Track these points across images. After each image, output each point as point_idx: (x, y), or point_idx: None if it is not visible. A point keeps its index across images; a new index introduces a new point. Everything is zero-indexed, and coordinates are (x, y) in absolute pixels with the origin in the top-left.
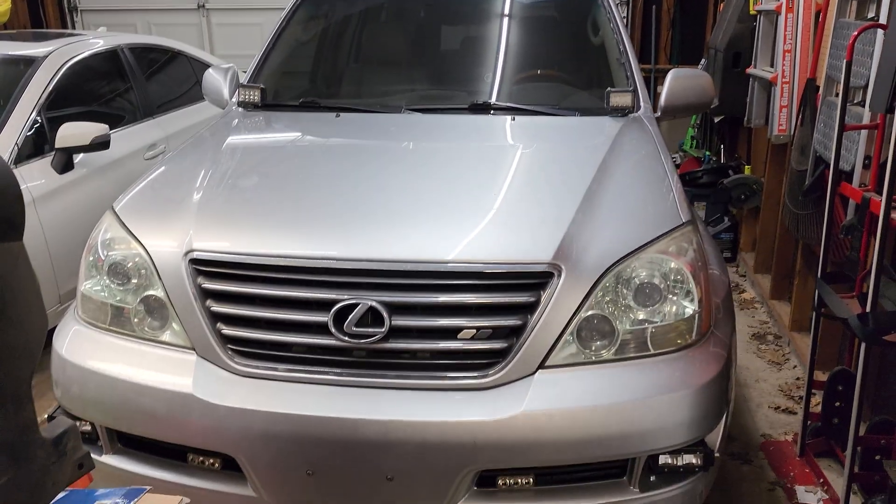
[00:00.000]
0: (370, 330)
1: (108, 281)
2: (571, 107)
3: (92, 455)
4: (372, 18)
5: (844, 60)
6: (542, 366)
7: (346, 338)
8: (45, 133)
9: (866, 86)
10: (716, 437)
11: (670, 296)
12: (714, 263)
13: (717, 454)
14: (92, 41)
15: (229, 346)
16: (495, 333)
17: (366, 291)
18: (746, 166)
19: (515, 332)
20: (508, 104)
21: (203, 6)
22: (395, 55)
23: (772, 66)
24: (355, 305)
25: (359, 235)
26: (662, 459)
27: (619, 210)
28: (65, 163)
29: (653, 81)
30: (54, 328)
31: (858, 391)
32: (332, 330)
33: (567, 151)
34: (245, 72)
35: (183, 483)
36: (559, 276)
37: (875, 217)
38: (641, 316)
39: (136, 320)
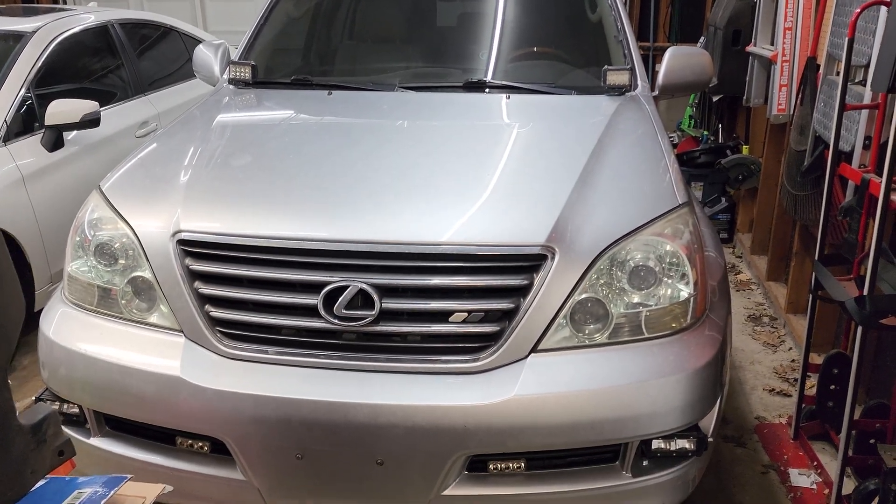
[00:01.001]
0: (360, 313)
1: (94, 262)
2: (567, 85)
3: (79, 437)
4: None
5: (846, 38)
6: (534, 349)
7: (336, 320)
8: (34, 110)
9: (868, 65)
10: (709, 422)
11: (665, 279)
12: (710, 245)
13: (710, 439)
14: (82, 16)
15: (218, 328)
16: (487, 317)
17: (356, 273)
18: (744, 146)
19: (508, 316)
20: (503, 82)
21: None
22: (389, 31)
23: (772, 44)
24: (345, 288)
25: (349, 216)
26: (655, 444)
27: (614, 191)
28: (55, 140)
29: (651, 59)
30: (41, 309)
31: (854, 374)
32: (322, 312)
33: (562, 131)
34: (237, 48)
35: (171, 466)
36: (553, 258)
37: (874, 199)
38: (636, 299)
39: (123, 302)
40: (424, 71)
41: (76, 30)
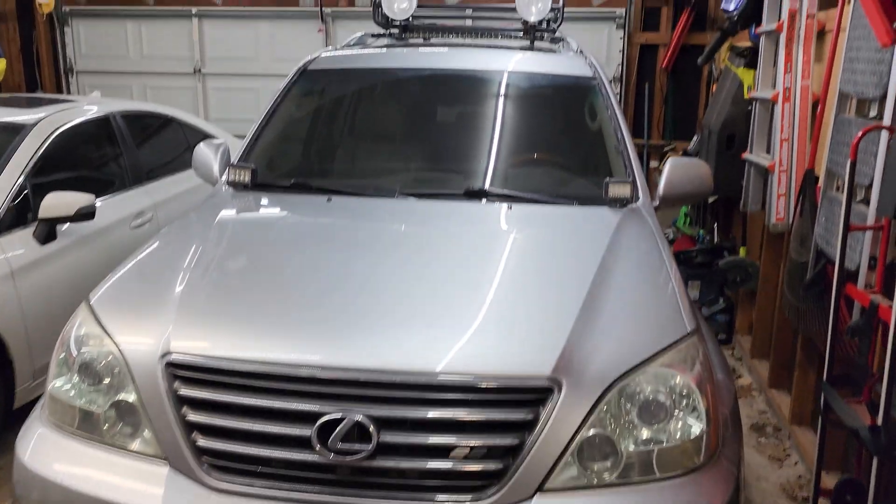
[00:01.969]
0: (356, 446)
1: (78, 380)
2: (569, 195)
3: None
4: (367, 98)
5: (849, 160)
6: (540, 489)
7: (331, 454)
8: (29, 201)
9: (870, 185)
10: None
11: (677, 412)
12: (717, 366)
13: None
14: (85, 108)
15: (204, 458)
16: (490, 453)
17: (352, 403)
18: (742, 248)
19: (512, 452)
20: (504, 191)
21: (199, 71)
22: (391, 137)
23: (768, 152)
24: (341, 419)
25: (346, 341)
26: None
27: (621, 317)
28: (47, 233)
29: (646, 156)
30: (23, 406)
31: None
32: (316, 445)
33: (566, 247)
34: (237, 136)
35: None
36: (559, 391)
37: (885, 324)
38: (646, 435)
39: (105, 426)
40: (425, 176)
41: (77, 121)
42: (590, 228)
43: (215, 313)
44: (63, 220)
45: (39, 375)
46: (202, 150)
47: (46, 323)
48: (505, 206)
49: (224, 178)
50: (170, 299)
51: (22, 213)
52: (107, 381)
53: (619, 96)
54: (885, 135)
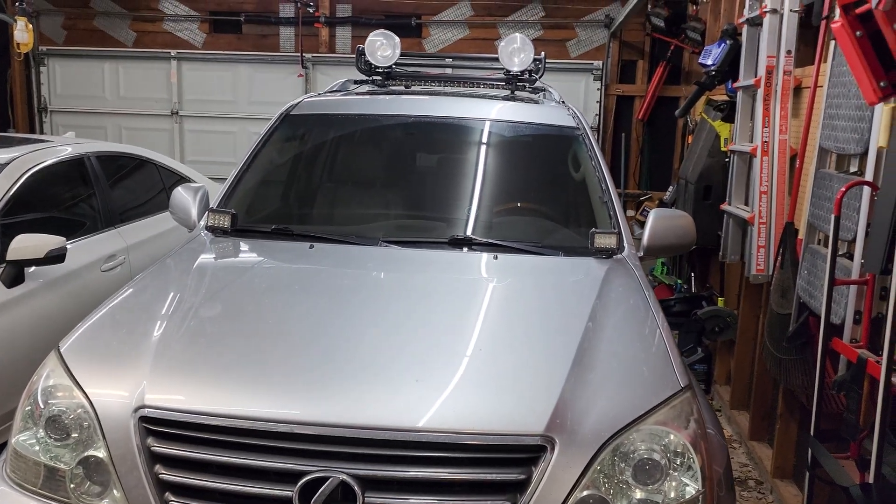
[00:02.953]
0: None
1: (44, 435)
2: (555, 245)
3: None
4: (351, 144)
5: (833, 215)
6: None
7: None
8: None
9: (854, 240)
10: None
11: (672, 472)
12: (710, 423)
13: None
14: (58, 148)
15: None
16: None
17: (336, 462)
18: (720, 298)
19: None
20: (490, 240)
21: (177, 113)
22: (374, 183)
23: (747, 204)
24: (324, 479)
25: (328, 395)
26: None
27: (613, 372)
28: (15, 276)
29: (623, 206)
30: None
31: None
32: None
33: (554, 299)
34: (213, 178)
35: None
36: (552, 449)
37: (874, 380)
38: (641, 496)
39: (72, 485)
40: (408, 224)
41: (50, 161)
42: (577, 279)
43: (193, 365)
44: (32, 262)
45: (4, 422)
46: (180, 194)
47: (11, 369)
48: (490, 255)
49: (203, 222)
50: (145, 349)
51: None
52: (75, 435)
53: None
54: (867, 191)
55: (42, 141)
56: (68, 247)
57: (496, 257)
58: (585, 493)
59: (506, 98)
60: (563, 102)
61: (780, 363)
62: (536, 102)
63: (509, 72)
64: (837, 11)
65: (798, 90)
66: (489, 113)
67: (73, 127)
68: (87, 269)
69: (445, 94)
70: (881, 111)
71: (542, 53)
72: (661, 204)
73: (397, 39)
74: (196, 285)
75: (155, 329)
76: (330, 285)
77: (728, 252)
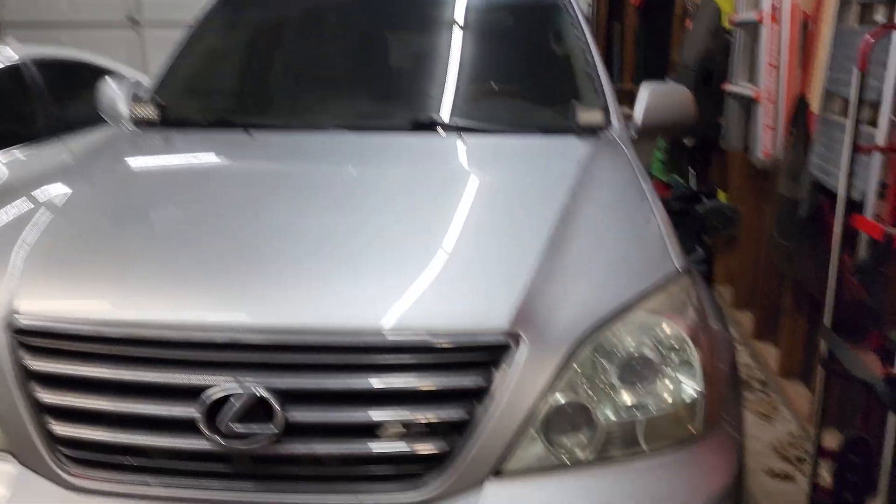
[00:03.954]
0: (257, 428)
1: None
2: (531, 124)
3: None
4: (297, 23)
5: (855, 71)
6: (496, 473)
7: (224, 439)
8: None
9: (878, 103)
10: None
11: (667, 370)
12: (712, 316)
13: None
14: None
15: (62, 450)
16: (432, 431)
17: (249, 374)
18: (721, 192)
19: (459, 428)
20: (457, 122)
21: (134, 19)
22: (324, 65)
23: (752, 82)
24: (235, 395)
25: (241, 297)
26: None
27: (595, 258)
28: None
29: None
30: None
31: (889, 473)
32: (204, 428)
33: (529, 181)
34: None
35: None
36: (518, 348)
37: None
38: (629, 400)
39: None
40: (365, 109)
41: None
42: (556, 160)
43: (76, 266)
44: None
45: None
46: (108, 87)
47: None
48: (456, 138)
49: (127, 114)
50: (21, 250)
51: None
52: None
53: None
54: None
55: None
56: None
57: (463, 140)
58: (561, 398)
59: None
60: None
61: (789, 254)
62: None
63: None
64: None
65: None
66: None
67: (32, 40)
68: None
69: None
70: None
71: None
72: None
73: None
74: (102, 181)
75: (38, 229)
76: (266, 174)
77: (731, 138)
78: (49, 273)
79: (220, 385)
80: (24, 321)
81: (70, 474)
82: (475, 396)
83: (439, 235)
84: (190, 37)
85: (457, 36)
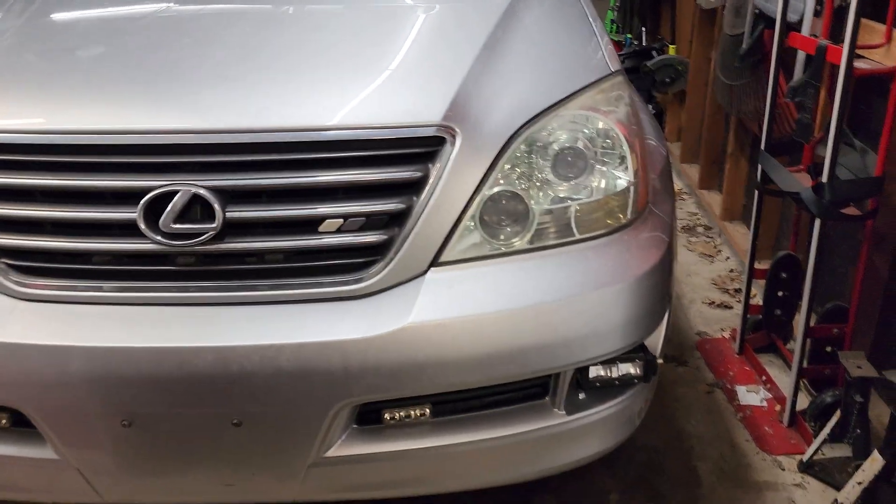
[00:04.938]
0: (197, 227)
1: None
2: None
3: None
4: None
5: None
6: (435, 262)
7: (164, 239)
8: None
9: None
10: (657, 341)
11: (599, 165)
12: (650, 133)
13: (659, 360)
14: None
15: (4, 259)
16: (370, 222)
17: (187, 174)
18: (671, 47)
19: (398, 220)
20: None
21: None
22: None
23: None
24: (173, 194)
25: (179, 99)
26: (594, 372)
27: (531, 60)
28: None
29: None
30: None
31: (811, 274)
32: (144, 229)
33: None
34: None
35: None
36: (453, 142)
37: (833, 72)
38: (562, 191)
39: None
40: None
41: None
42: None
43: (14, 78)
44: None
45: None
46: None
47: None
48: None
49: None
50: None
51: None
52: None
53: None
54: None
55: None
56: None
57: None
58: (496, 189)
59: None
60: None
61: (731, 91)
62: None
63: None
64: None
65: None
66: None
67: None
68: None
69: None
70: None
71: None
72: None
73: None
74: (24, 2)
75: None
76: None
77: None
78: None
79: (158, 186)
80: None
81: (12, 281)
82: (413, 189)
83: (375, 39)
84: None
85: None
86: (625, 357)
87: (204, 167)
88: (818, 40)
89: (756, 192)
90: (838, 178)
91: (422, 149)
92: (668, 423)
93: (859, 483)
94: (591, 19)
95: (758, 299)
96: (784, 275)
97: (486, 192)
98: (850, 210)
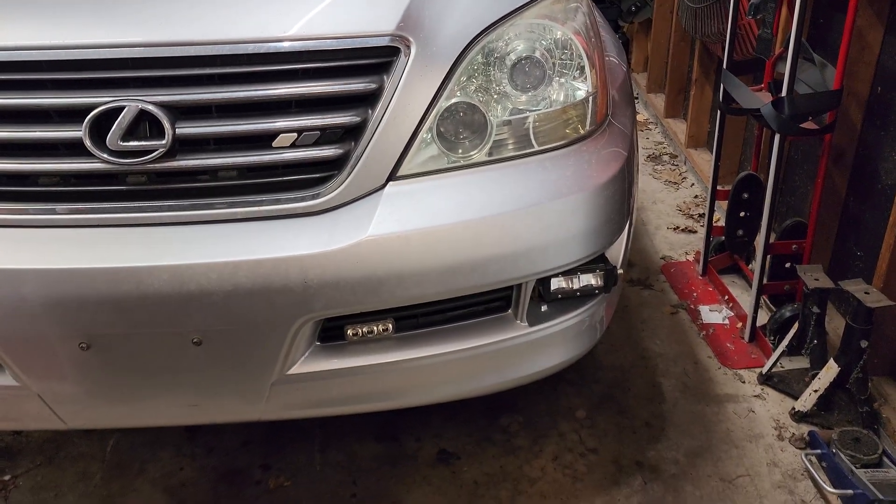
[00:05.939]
0: (146, 144)
1: None
2: None
3: None
4: None
5: None
6: (392, 176)
7: (113, 157)
8: None
9: None
10: (618, 251)
11: (557, 75)
12: (611, 49)
13: (620, 270)
14: None
15: None
16: (325, 137)
17: (134, 90)
18: None
19: (353, 133)
20: None
21: None
22: None
23: None
24: (120, 110)
25: (123, 13)
26: (555, 284)
27: None
28: None
29: None
30: None
31: (771, 189)
32: (90, 147)
33: None
34: None
35: None
36: (408, 52)
37: None
38: (521, 103)
39: None
40: None
41: None
42: None
43: None
44: None
45: None
46: None
47: None
48: None
49: None
50: None
51: None
52: None
53: None
54: None
55: None
56: None
57: None
58: (453, 101)
59: None
60: None
61: (695, 14)
62: None
63: None
64: None
65: None
66: None
67: None
68: None
69: None
70: None
71: None
72: None
73: None
74: None
75: None
76: None
77: None
78: None
79: (103, 102)
80: None
81: None
82: (368, 101)
83: None
84: None
85: None
86: (585, 268)
87: (151, 82)
88: None
89: (719, 113)
90: (797, 93)
91: (375, 60)
92: (633, 344)
93: (815, 391)
94: None
95: (721, 222)
96: (746, 195)
97: (443, 103)
98: (809, 124)
